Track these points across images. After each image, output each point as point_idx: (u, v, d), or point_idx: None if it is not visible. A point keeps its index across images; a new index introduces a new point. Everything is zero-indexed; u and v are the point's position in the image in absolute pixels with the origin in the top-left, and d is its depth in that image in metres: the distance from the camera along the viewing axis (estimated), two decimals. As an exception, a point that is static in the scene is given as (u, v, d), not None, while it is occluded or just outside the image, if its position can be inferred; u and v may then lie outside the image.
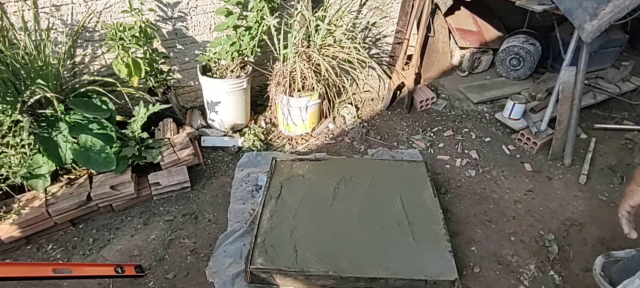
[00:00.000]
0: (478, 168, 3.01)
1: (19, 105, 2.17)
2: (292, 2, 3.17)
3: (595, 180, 2.91)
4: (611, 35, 3.90)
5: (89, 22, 2.58)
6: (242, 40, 2.85)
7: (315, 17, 3.00)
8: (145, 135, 2.59)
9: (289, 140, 3.24)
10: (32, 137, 2.22)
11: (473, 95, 3.76)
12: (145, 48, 2.62)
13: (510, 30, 4.17)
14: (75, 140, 2.42)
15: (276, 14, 2.97)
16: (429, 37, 3.84)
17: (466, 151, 3.18)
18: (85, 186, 2.42)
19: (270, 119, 3.42)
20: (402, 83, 3.63)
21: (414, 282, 1.98)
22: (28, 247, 2.28)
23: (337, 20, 3.17)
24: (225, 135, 3.13)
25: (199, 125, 3.16)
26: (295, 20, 2.95)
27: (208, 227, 2.44)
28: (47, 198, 2.32)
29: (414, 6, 3.44)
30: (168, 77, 2.96)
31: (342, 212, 2.34)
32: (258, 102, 3.53)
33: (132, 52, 2.56)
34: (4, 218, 2.20)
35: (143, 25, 2.58)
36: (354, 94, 3.64)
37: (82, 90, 2.53)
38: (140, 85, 2.73)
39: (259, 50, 2.95)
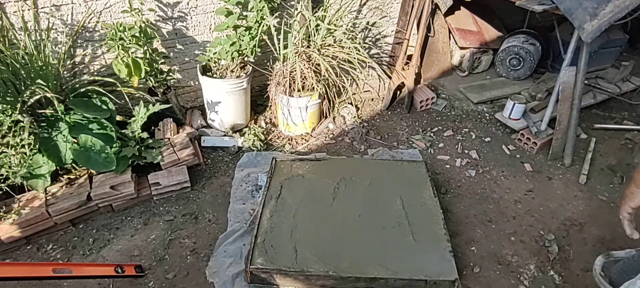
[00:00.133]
0: (478, 168, 3.01)
1: (19, 105, 2.17)
2: (292, 2, 3.17)
3: (595, 180, 2.91)
4: (611, 35, 3.90)
5: (89, 22, 2.58)
6: (242, 40, 2.85)
7: (315, 17, 3.00)
8: (145, 135, 2.59)
9: (289, 140, 3.24)
10: (32, 137, 2.22)
11: (473, 95, 3.76)
12: (145, 48, 2.62)
13: (510, 30, 4.17)
14: (75, 140, 2.42)
15: (276, 14, 2.97)
16: (429, 37, 3.84)
17: (466, 151, 3.18)
18: (85, 186, 2.42)
19: (270, 119, 3.42)
20: (402, 83, 3.63)
21: (414, 282, 1.98)
22: (28, 247, 2.28)
23: (337, 20, 3.17)
24: (225, 135, 3.13)
25: (199, 125, 3.16)
26: (295, 20, 2.95)
27: (208, 227, 2.44)
28: (47, 198, 2.32)
29: (414, 6, 3.44)
30: (168, 77, 2.96)
31: (342, 212, 2.34)
32: (258, 102, 3.53)
33: (132, 52, 2.56)
34: (4, 218, 2.20)
35: (143, 25, 2.58)
36: (354, 94, 3.64)
37: (82, 90, 2.53)
38: (140, 85, 2.73)
39: (259, 50, 2.95)
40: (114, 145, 2.49)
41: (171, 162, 2.65)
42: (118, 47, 2.50)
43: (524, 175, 2.95)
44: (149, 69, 2.70)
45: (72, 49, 2.61)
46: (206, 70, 3.03)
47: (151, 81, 2.84)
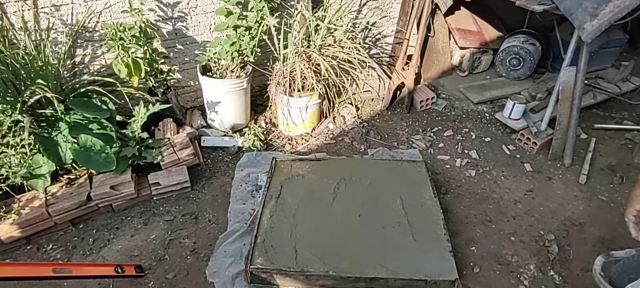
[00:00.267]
0: (478, 168, 3.01)
1: (19, 105, 2.17)
2: (292, 2, 3.17)
3: (595, 180, 2.91)
4: (611, 35, 3.90)
5: (89, 22, 2.58)
6: (242, 40, 2.85)
7: (315, 17, 3.00)
8: (145, 135, 2.59)
9: (289, 140, 3.24)
10: (32, 137, 2.22)
11: (473, 95, 3.76)
12: (145, 48, 2.62)
13: (510, 30, 4.17)
14: (75, 140, 2.42)
15: (276, 14, 2.97)
16: (429, 37, 3.84)
17: (466, 151, 3.18)
18: (85, 186, 2.42)
19: (270, 119, 3.42)
20: (402, 83, 3.63)
21: (414, 282, 1.98)
22: (28, 247, 2.28)
23: (337, 20, 3.16)
24: (225, 135, 3.13)
25: (199, 125, 3.16)
26: (295, 20, 2.95)
27: (208, 227, 2.44)
28: (47, 198, 2.32)
29: (414, 6, 3.44)
30: (168, 77, 2.96)
31: (342, 212, 2.34)
32: (258, 102, 3.53)
33: (132, 52, 2.56)
34: (4, 218, 2.20)
35: (143, 25, 2.58)
36: (354, 94, 3.64)
37: (82, 90, 2.53)
38: (140, 85, 2.73)
39: (259, 50, 2.95)
40: (114, 145, 2.49)
41: (171, 162, 2.65)
42: (118, 47, 2.50)
43: (524, 175, 2.95)
44: (149, 69, 2.70)
45: (72, 49, 2.61)
46: (206, 70, 3.03)
47: (151, 81, 2.84)
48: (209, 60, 2.99)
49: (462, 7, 3.95)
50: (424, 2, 3.34)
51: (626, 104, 3.75)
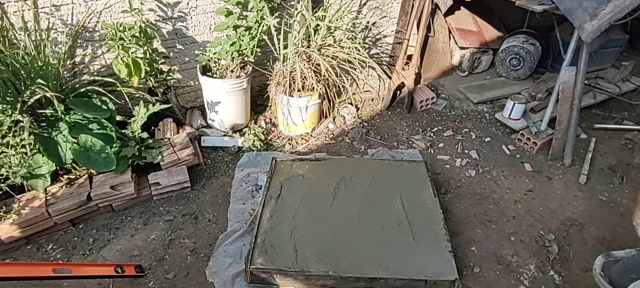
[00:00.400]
0: (478, 168, 3.01)
1: (19, 105, 2.17)
2: (292, 2, 3.17)
3: (595, 180, 2.91)
4: (611, 35, 3.90)
5: (89, 22, 2.58)
6: (242, 40, 2.85)
7: (315, 17, 3.00)
8: (145, 135, 2.59)
9: (289, 140, 3.24)
10: (32, 137, 2.22)
11: (473, 95, 3.76)
12: (145, 48, 2.62)
13: (510, 30, 4.17)
14: (75, 140, 2.42)
15: (276, 14, 2.97)
16: (429, 37, 3.84)
17: (466, 151, 3.18)
18: (85, 186, 2.42)
19: (270, 119, 3.42)
20: (402, 83, 3.63)
21: (414, 282, 1.98)
22: (28, 247, 2.28)
23: (337, 20, 3.16)
24: (225, 135, 3.13)
25: (199, 125, 3.16)
26: (295, 20, 2.95)
27: (208, 227, 2.44)
28: (47, 198, 2.32)
29: (414, 6, 3.44)
30: (168, 77, 2.96)
31: (342, 212, 2.34)
32: (258, 102, 3.53)
33: (132, 52, 2.56)
34: (4, 218, 2.20)
35: (143, 25, 2.58)
36: (354, 94, 3.64)
37: (82, 90, 2.53)
38: (140, 85, 2.73)
39: (259, 50, 2.95)
40: (114, 145, 2.49)
41: (171, 162, 2.65)
42: (118, 47, 2.50)
43: (524, 175, 2.95)
44: (149, 69, 2.70)
45: (72, 49, 2.61)
46: (206, 70, 3.03)
47: (151, 81, 2.84)
48: (209, 60, 2.99)
49: (462, 7, 3.95)
50: (424, 2, 3.33)
51: (626, 104, 3.75)
